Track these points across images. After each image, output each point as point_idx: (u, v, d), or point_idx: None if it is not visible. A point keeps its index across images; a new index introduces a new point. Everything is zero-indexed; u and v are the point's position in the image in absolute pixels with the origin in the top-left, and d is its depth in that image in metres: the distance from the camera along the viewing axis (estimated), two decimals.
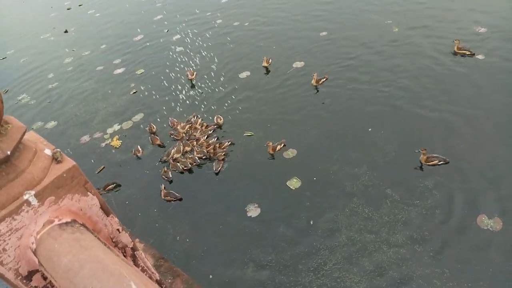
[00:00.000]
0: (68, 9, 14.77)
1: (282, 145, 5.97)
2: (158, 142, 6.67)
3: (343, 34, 8.67)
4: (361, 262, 4.30)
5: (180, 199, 5.55)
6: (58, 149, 1.61)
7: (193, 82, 8.03)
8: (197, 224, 5.21)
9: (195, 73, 8.20)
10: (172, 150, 6.28)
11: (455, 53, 7.31)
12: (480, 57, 6.99)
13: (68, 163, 1.56)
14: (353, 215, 4.81)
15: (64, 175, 1.53)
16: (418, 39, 7.91)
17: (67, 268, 1.35)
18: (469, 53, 7.22)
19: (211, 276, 4.47)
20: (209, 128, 6.68)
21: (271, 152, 5.84)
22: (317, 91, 7.09)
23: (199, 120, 6.87)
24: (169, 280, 4.35)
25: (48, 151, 1.57)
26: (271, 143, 5.84)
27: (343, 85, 7.10)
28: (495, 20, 7.92)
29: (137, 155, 6.50)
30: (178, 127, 6.77)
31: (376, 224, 4.65)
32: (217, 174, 5.82)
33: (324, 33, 8.85)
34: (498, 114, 5.77)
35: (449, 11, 8.60)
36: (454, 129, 5.67)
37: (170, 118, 7.14)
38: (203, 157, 6.10)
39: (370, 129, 6.00)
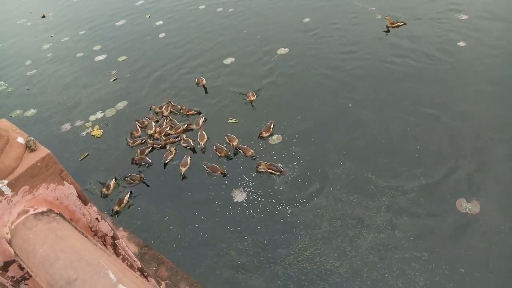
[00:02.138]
0: None
1: (236, 142, 5.83)
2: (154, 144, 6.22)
3: (326, 21, 8.65)
4: (341, 247, 4.36)
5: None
6: (32, 138, 1.56)
7: (205, 87, 7.32)
8: (182, 210, 5.19)
9: (204, 80, 7.37)
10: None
11: (387, 29, 7.79)
12: (461, 44, 7.07)
13: (42, 151, 1.52)
14: (335, 200, 4.87)
15: (38, 164, 1.49)
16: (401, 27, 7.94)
17: (43, 259, 1.33)
18: (401, 23, 7.77)
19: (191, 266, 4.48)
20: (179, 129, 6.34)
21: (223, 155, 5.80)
22: (302, 77, 7.09)
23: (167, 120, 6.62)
24: (154, 268, 4.35)
25: (21, 140, 1.53)
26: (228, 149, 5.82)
27: (329, 73, 7.11)
28: (477, 7, 8.00)
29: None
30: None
31: (358, 210, 4.71)
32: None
33: (307, 20, 8.81)
34: (479, 101, 5.88)
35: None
36: (435, 116, 5.76)
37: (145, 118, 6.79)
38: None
39: (350, 104, 6.25)
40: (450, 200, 4.61)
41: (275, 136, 5.96)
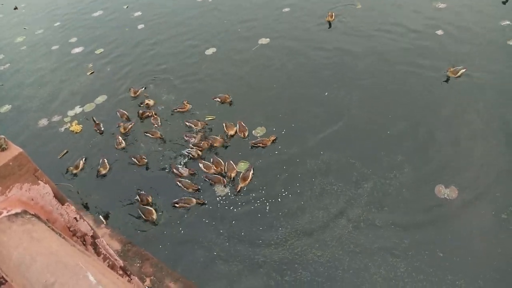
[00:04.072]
0: None
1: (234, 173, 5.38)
2: (158, 135, 6.00)
3: (306, 11, 8.63)
4: (322, 237, 4.41)
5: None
6: (3, 136, 1.51)
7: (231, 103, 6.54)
8: (167, 205, 5.15)
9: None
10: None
11: (329, 23, 7.95)
12: (439, 32, 7.17)
13: (14, 150, 1.47)
14: (317, 190, 4.90)
15: (10, 163, 1.44)
16: (380, 16, 7.99)
17: (19, 262, 1.29)
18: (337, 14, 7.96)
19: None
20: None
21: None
22: (283, 67, 7.07)
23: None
24: (138, 264, 4.31)
25: None
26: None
27: (309, 63, 7.11)
28: None
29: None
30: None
31: (337, 199, 4.75)
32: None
33: (286, 9, 8.78)
34: (455, 85, 6.00)
35: None
36: (414, 100, 5.84)
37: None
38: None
39: (326, 93, 6.31)
40: (429, 186, 4.71)
41: (259, 128, 5.94)
